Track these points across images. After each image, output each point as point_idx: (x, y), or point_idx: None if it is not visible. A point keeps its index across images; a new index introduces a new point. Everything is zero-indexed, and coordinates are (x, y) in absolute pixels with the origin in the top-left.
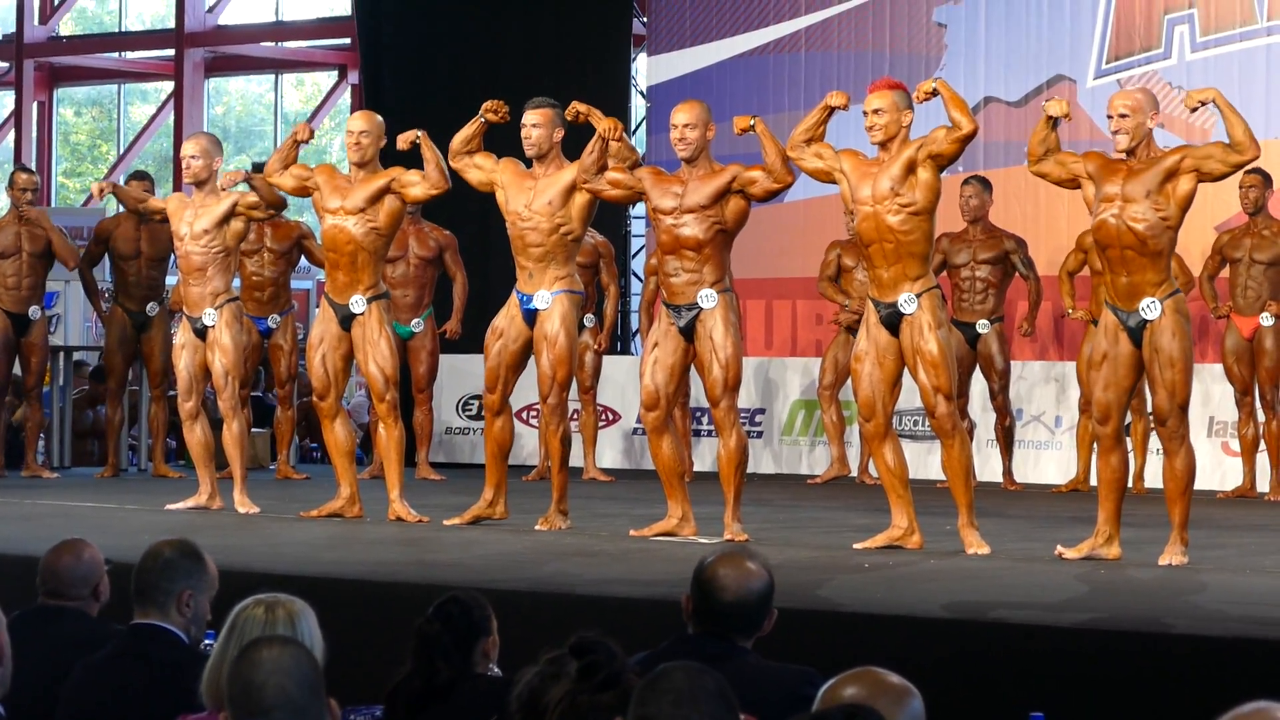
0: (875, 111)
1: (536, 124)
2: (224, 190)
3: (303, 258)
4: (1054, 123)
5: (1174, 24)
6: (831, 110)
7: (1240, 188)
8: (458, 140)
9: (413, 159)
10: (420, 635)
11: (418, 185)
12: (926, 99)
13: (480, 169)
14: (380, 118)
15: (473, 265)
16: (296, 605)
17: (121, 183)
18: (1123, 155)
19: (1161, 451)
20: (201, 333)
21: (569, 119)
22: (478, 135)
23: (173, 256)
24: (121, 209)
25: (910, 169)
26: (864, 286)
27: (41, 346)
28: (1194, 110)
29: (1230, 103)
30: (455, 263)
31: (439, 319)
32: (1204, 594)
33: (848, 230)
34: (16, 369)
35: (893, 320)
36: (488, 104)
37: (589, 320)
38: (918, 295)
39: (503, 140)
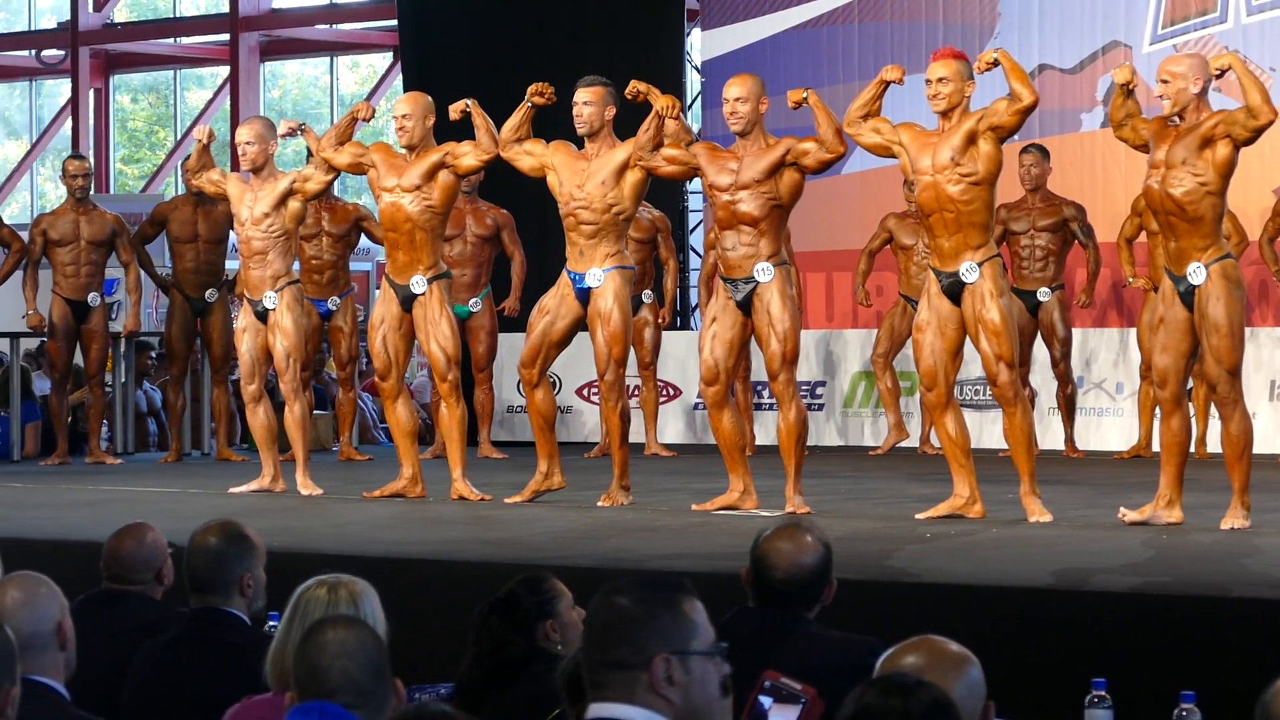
0: (940, 80)
1: (589, 101)
2: (281, 136)
3: (362, 238)
4: (1127, 90)
5: None
6: (887, 84)
7: None
8: (507, 129)
9: (466, 130)
10: (479, 621)
11: (469, 154)
12: (988, 69)
13: (531, 155)
14: (427, 96)
15: (531, 244)
16: (359, 586)
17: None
18: (1173, 120)
19: (1220, 418)
20: (263, 316)
21: (628, 98)
22: (526, 121)
23: (232, 240)
24: (180, 192)
25: (971, 140)
26: (920, 261)
27: (101, 334)
28: (1218, 75)
29: (1247, 69)
30: (513, 241)
31: (497, 298)
32: (1264, 557)
33: (907, 203)
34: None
35: (955, 289)
36: (533, 87)
37: (647, 296)
38: (979, 264)
39: (554, 120)
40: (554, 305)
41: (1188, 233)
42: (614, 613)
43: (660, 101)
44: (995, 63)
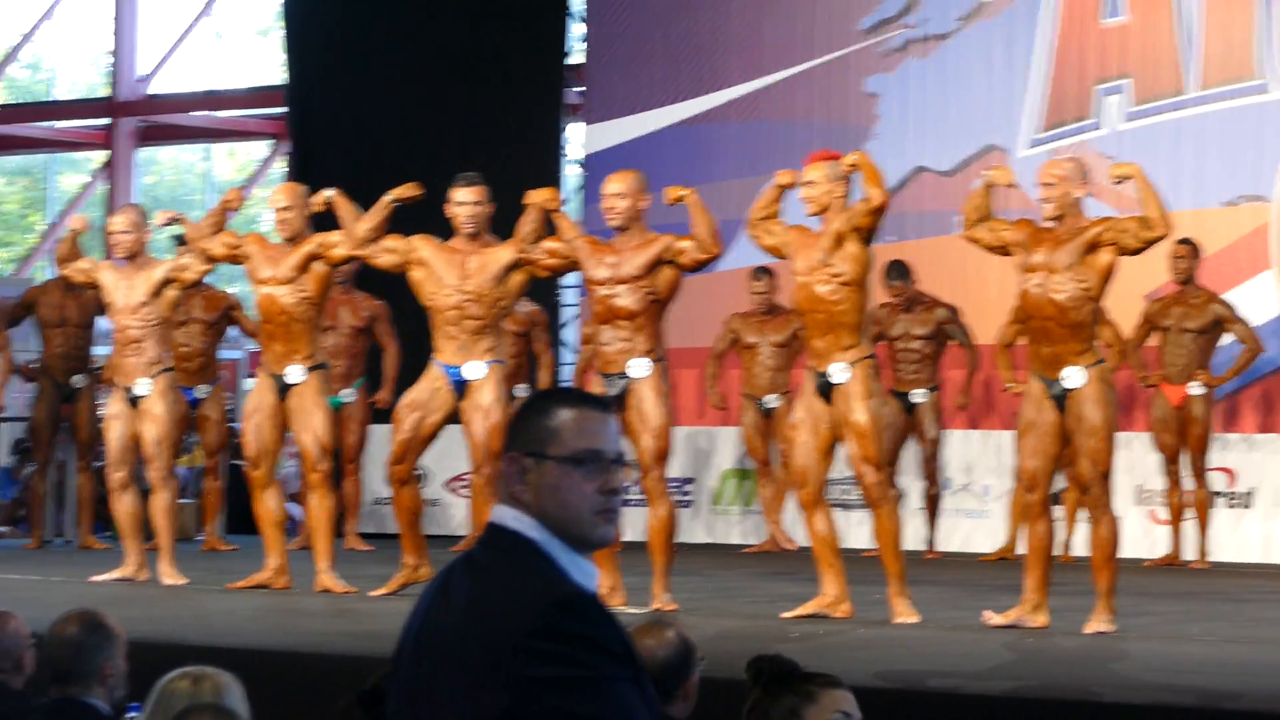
0: (809, 183)
1: (477, 201)
2: (158, 226)
3: (231, 328)
4: (990, 190)
5: (1106, 94)
6: (783, 188)
7: (1170, 257)
8: (364, 228)
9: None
10: (342, 715)
11: (340, 244)
12: (849, 172)
13: (392, 252)
14: (304, 188)
15: (408, 335)
16: (224, 678)
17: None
18: (1050, 224)
19: (1090, 520)
20: (133, 402)
21: (538, 213)
22: (385, 222)
23: (100, 326)
24: (50, 276)
25: (839, 241)
26: (763, 361)
27: None
28: (1118, 183)
29: (1149, 180)
30: (387, 332)
31: (370, 389)
32: (1130, 661)
33: (759, 307)
34: None
35: (827, 389)
36: (399, 190)
37: (520, 390)
38: (850, 365)
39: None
40: (425, 400)
41: (1065, 337)
42: (513, 413)
43: (540, 196)
44: (855, 165)
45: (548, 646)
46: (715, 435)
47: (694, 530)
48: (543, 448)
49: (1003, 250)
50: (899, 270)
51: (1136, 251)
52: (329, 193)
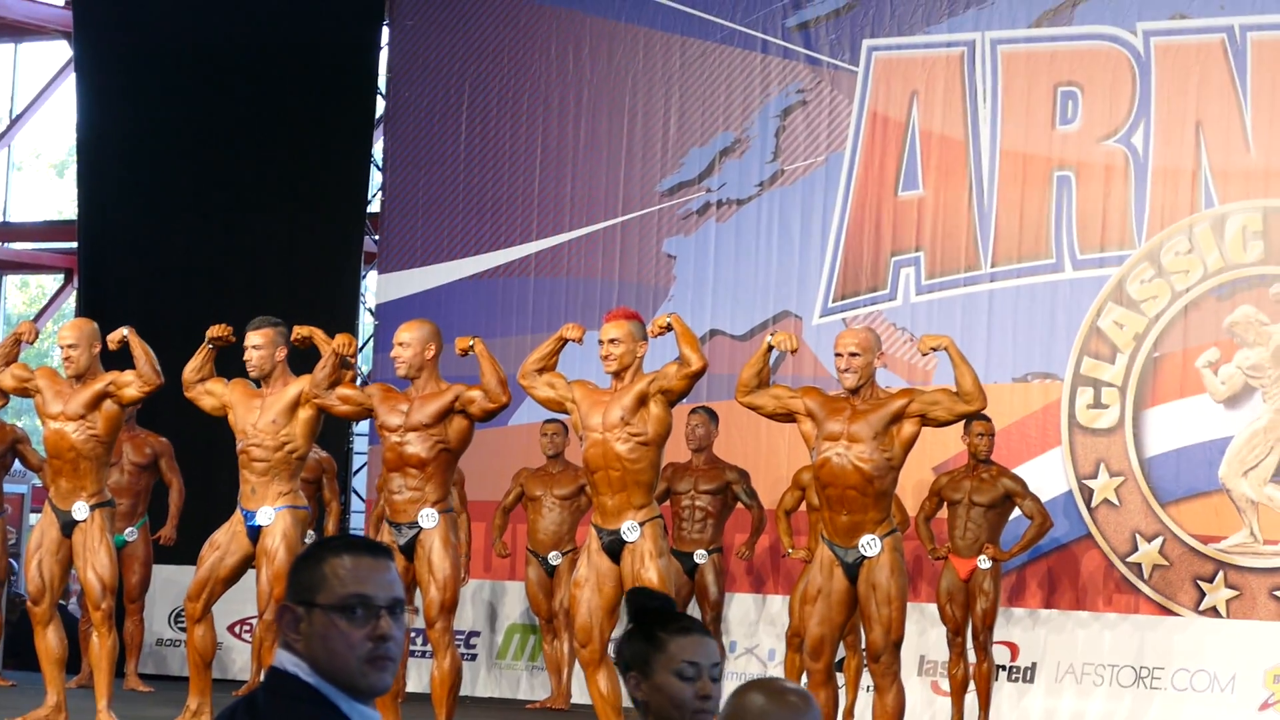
0: (612, 340)
1: (257, 345)
2: None
3: (16, 461)
4: (770, 356)
5: (901, 265)
6: (566, 341)
7: (970, 435)
8: (189, 370)
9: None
10: None
11: (132, 385)
12: (662, 333)
13: (212, 394)
14: (93, 324)
15: (196, 475)
16: None
17: None
18: (847, 393)
19: (872, 688)
20: None
21: (294, 342)
22: (208, 361)
23: None
24: None
25: (642, 401)
26: (550, 517)
27: None
28: (926, 354)
29: (961, 352)
30: (171, 469)
31: (154, 526)
32: None
33: (546, 451)
34: None
35: (615, 547)
36: (212, 330)
37: (310, 536)
38: (641, 524)
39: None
40: (225, 541)
41: (865, 506)
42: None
43: (335, 340)
44: (669, 326)
45: None
46: (502, 589)
47: (479, 684)
48: (311, 596)
49: (785, 417)
50: (710, 414)
51: (947, 423)
52: (124, 331)
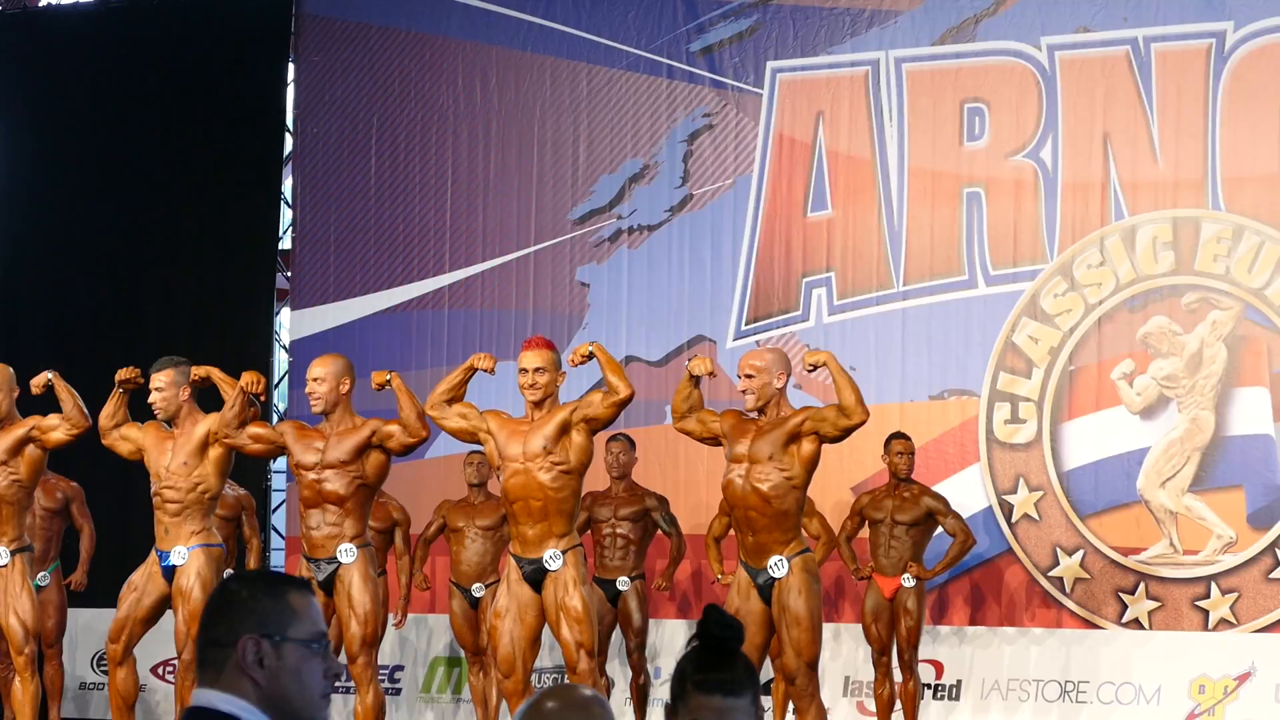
0: (535, 370)
1: (160, 387)
2: None
3: None
4: (696, 381)
5: (812, 287)
6: (475, 371)
7: (890, 454)
8: (104, 417)
9: (49, 402)
10: None
11: (58, 429)
12: (583, 362)
13: (128, 440)
14: (9, 369)
15: (110, 518)
16: None
17: None
18: (753, 414)
19: (794, 710)
20: None
21: (193, 383)
22: (121, 406)
23: None
24: None
25: (564, 430)
26: (472, 548)
27: None
28: (811, 371)
29: (841, 367)
30: (82, 513)
31: (65, 571)
32: None
33: (469, 485)
34: None
35: (536, 576)
36: (120, 373)
37: (228, 573)
38: (563, 552)
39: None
40: (141, 582)
41: (769, 527)
42: (222, 596)
43: (245, 378)
44: (590, 355)
45: None
46: (424, 622)
47: (403, 718)
48: (283, 629)
49: (714, 440)
50: (629, 441)
51: (836, 439)
52: (48, 375)
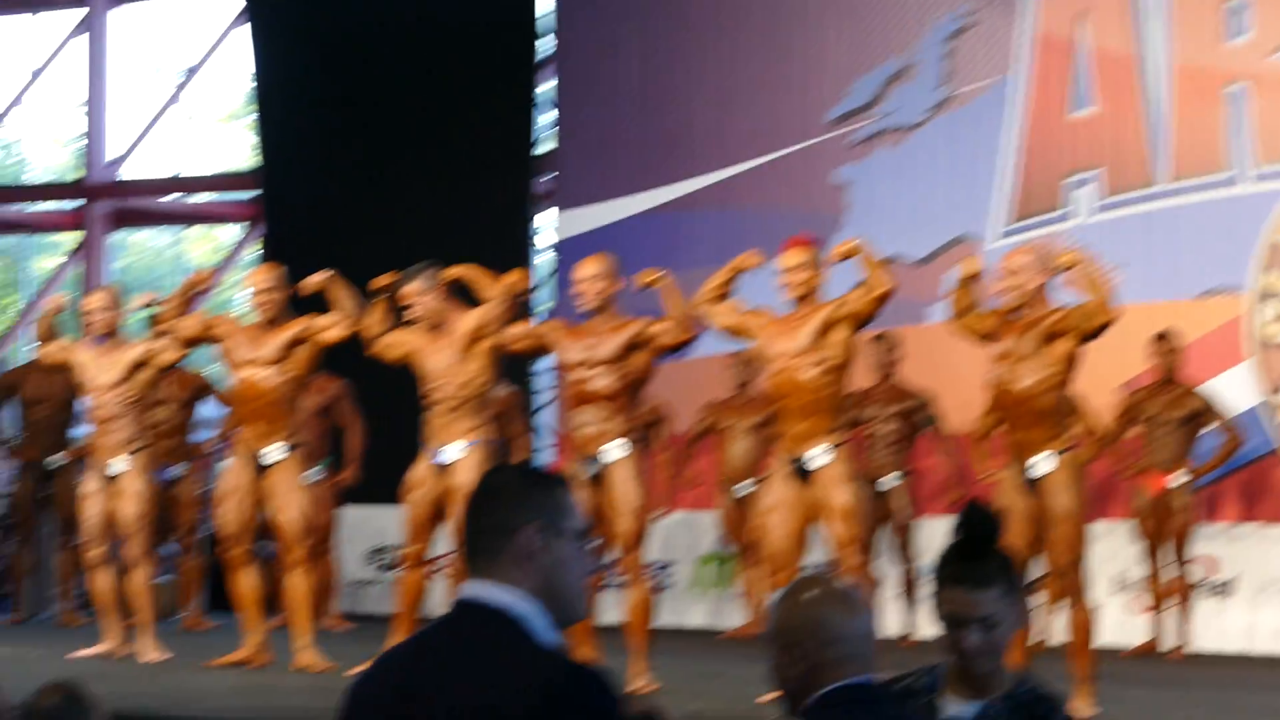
0: (792, 269)
1: (416, 296)
2: (135, 309)
3: (204, 408)
4: (967, 281)
5: (1074, 186)
6: (741, 270)
7: (1158, 352)
8: (366, 327)
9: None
10: None
11: (335, 327)
12: (844, 258)
13: (393, 346)
14: (282, 268)
15: (380, 416)
16: None
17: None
18: (1016, 314)
19: (1062, 608)
20: (110, 480)
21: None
22: (382, 314)
23: (81, 404)
24: (27, 357)
25: (827, 326)
26: (740, 447)
27: None
28: (1064, 270)
29: (1088, 268)
30: (350, 411)
31: (335, 469)
32: None
33: (738, 380)
34: None
35: (802, 473)
36: (378, 281)
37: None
38: (830, 448)
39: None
40: (419, 481)
41: (1033, 424)
42: (498, 486)
43: (510, 277)
44: (854, 250)
45: (563, 717)
46: (694, 519)
47: (671, 614)
48: (559, 522)
49: (986, 340)
50: (892, 340)
51: (1090, 338)
52: (323, 275)
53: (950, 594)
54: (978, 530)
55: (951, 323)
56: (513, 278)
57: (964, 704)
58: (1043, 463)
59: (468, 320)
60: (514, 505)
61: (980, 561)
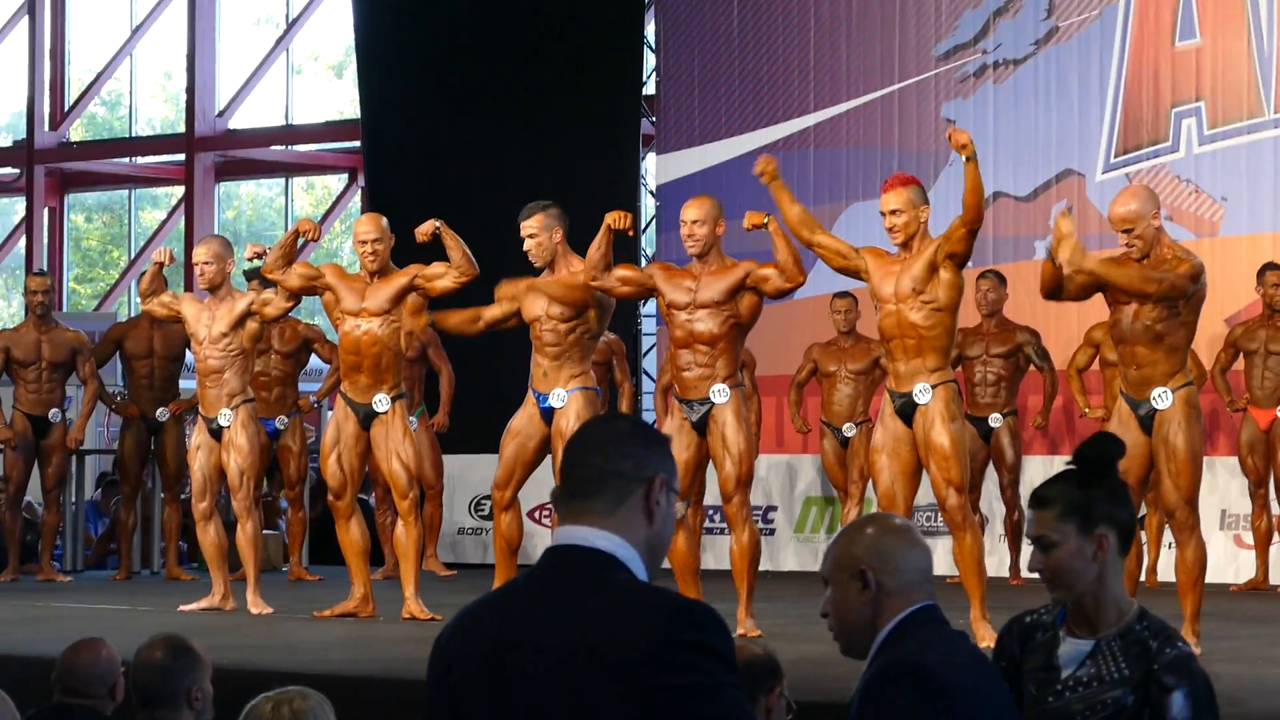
0: (893, 211)
1: (533, 233)
2: (246, 259)
3: (310, 359)
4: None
5: (1181, 117)
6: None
7: (1265, 284)
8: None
9: (429, 251)
10: None
11: (445, 277)
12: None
13: (505, 301)
14: (385, 219)
15: (480, 363)
16: (310, 701)
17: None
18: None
19: (1174, 544)
20: (217, 433)
21: (608, 235)
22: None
23: (187, 358)
24: (135, 313)
25: (932, 268)
26: (844, 390)
27: (61, 449)
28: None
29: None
30: (439, 357)
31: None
32: (1216, 685)
33: (840, 327)
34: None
35: (907, 410)
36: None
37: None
38: (933, 386)
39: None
40: (522, 426)
41: (1155, 360)
42: (617, 431)
43: (611, 217)
44: (969, 158)
45: (676, 655)
46: (798, 462)
47: (776, 557)
48: (672, 475)
49: (1097, 288)
50: (999, 277)
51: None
52: (435, 224)
53: (1029, 514)
54: (1085, 455)
55: (1065, 268)
56: (613, 216)
57: (1080, 640)
58: (1162, 398)
59: (574, 265)
60: (641, 457)
61: (1053, 485)
